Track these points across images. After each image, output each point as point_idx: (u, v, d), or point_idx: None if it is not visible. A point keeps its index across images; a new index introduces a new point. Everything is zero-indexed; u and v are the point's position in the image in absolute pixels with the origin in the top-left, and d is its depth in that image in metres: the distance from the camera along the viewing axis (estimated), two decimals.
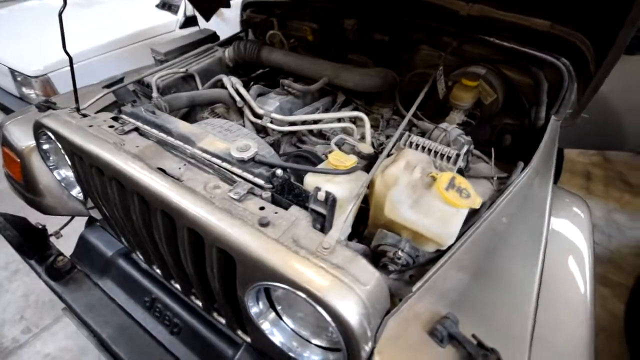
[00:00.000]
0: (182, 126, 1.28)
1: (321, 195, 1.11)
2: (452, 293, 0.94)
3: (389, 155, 1.27)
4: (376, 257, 1.11)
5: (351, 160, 1.12)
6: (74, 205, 1.70)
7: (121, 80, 1.65)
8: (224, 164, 1.16)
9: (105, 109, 1.69)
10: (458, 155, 1.17)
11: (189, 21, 3.66)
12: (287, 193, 1.07)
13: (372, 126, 1.62)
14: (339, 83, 1.62)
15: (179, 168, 1.18)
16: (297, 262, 0.84)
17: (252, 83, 1.88)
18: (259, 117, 1.52)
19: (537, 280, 1.02)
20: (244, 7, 2.59)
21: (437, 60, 1.97)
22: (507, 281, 1.02)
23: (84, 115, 1.40)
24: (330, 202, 1.08)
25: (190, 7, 3.64)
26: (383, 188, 1.10)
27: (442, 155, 1.18)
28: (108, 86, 1.58)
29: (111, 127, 1.32)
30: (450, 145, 1.33)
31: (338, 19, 2.13)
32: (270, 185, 1.09)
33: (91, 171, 1.28)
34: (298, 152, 1.40)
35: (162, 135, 1.30)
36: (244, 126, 1.55)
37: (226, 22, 3.51)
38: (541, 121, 1.78)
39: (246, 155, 1.10)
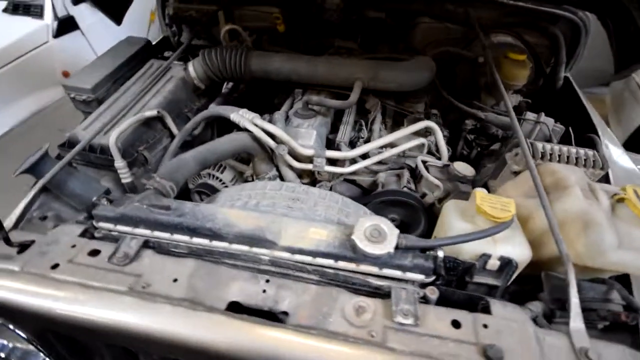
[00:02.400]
0: (233, 218, 0.78)
1: (493, 264, 0.79)
2: None
3: (513, 172, 1.00)
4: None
5: (509, 202, 0.81)
6: None
7: (44, 155, 0.98)
8: (340, 264, 0.74)
9: (37, 208, 1.02)
10: (597, 155, 0.95)
11: (65, 25, 2.58)
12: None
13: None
14: (378, 86, 1.23)
15: (263, 291, 0.72)
16: None
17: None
18: (306, 159, 1.05)
19: None
20: None
21: (441, 33, 1.71)
22: None
23: (22, 248, 0.77)
24: (510, 269, 0.77)
25: (61, 4, 2.57)
26: (543, 226, 0.83)
27: (582, 160, 0.95)
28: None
29: (93, 254, 0.75)
30: (552, 139, 1.12)
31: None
32: (434, 277, 0.72)
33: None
34: (389, 198, 1.01)
35: (201, 241, 0.78)
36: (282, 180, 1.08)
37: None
38: (560, 81, 1.70)
39: (388, 244, 0.70)
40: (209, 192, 1.16)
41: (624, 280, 0.87)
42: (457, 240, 0.73)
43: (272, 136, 1.04)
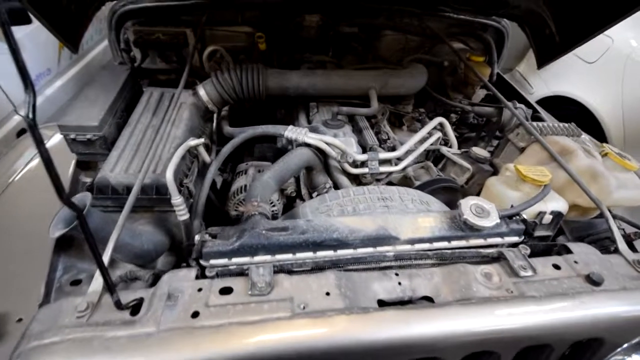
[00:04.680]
0: (354, 224, 0.82)
1: (547, 219, 1.01)
2: None
3: (519, 149, 1.25)
4: None
5: (542, 169, 1.04)
6: None
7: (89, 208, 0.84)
8: (453, 243, 0.85)
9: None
10: (572, 125, 1.27)
11: None
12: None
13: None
14: (389, 92, 1.37)
15: (399, 284, 0.79)
16: None
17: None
18: (360, 164, 1.11)
19: None
20: (120, 21, 1.72)
21: (402, 43, 1.96)
22: None
23: (134, 309, 0.68)
24: (559, 219, 1.00)
25: None
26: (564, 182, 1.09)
27: (565, 131, 1.25)
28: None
29: (225, 292, 0.70)
30: (528, 119, 1.42)
31: (292, 17, 1.74)
32: (524, 237, 0.89)
33: None
34: (442, 185, 1.15)
35: (326, 254, 0.80)
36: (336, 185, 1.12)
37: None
38: (494, 77, 2.12)
39: (493, 216, 0.84)
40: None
41: None
42: (531, 204, 0.91)
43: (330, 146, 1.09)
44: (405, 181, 1.32)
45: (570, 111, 2.82)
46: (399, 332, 0.68)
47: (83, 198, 0.85)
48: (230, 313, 0.67)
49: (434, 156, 1.44)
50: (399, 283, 0.79)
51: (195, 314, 0.66)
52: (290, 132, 1.09)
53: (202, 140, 1.06)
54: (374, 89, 1.35)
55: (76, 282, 0.96)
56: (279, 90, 1.33)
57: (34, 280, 0.90)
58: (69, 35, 1.46)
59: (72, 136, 1.09)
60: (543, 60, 1.84)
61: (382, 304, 0.75)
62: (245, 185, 1.15)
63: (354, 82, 1.36)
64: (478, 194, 1.28)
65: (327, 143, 1.09)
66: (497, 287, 0.78)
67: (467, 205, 0.85)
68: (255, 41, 1.71)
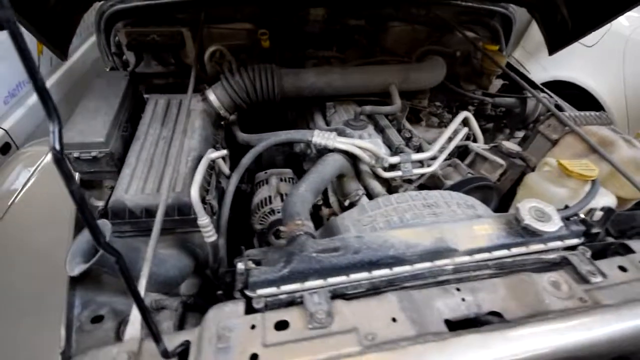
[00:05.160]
0: (409, 238, 0.75)
1: (598, 215, 0.96)
2: None
3: (552, 141, 1.20)
4: None
5: (587, 163, 0.99)
6: None
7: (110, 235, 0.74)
8: (513, 250, 0.79)
9: None
10: (603, 114, 1.22)
11: None
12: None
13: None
14: (410, 87, 1.30)
15: (462, 300, 0.73)
16: None
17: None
18: (392, 167, 1.04)
19: None
20: (109, 22, 1.59)
21: (410, 35, 1.89)
22: None
23: (182, 355, 0.59)
24: (610, 215, 0.96)
25: None
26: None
27: (597, 120, 1.20)
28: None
29: (280, 327, 0.63)
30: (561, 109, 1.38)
31: (294, 12, 1.64)
32: (585, 239, 0.84)
33: None
34: (478, 184, 1.09)
35: (381, 272, 0.73)
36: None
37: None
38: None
39: (556, 219, 0.78)
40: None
41: None
42: (588, 201, 0.86)
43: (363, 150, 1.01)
44: (433, 181, 1.25)
45: (569, 96, 2.82)
46: (480, 358, 0.61)
47: (101, 227, 0.75)
48: (293, 352, 0.59)
49: (458, 152, 1.39)
50: (463, 299, 0.72)
51: (253, 357, 0.58)
52: (318, 137, 1.00)
53: (224, 152, 0.96)
54: (394, 84, 1.28)
55: (97, 319, 0.86)
56: (294, 91, 1.24)
57: (50, 323, 0.80)
58: (57, 41, 1.33)
59: (76, 154, 0.98)
60: (555, 47, 1.80)
61: (449, 324, 0.69)
62: (270, 197, 1.06)
63: (373, 78, 1.28)
64: (511, 191, 1.23)
65: (359, 147, 1.01)
66: (568, 297, 0.72)
67: (526, 208, 0.79)
68: (258, 38, 1.61)
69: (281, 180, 1.13)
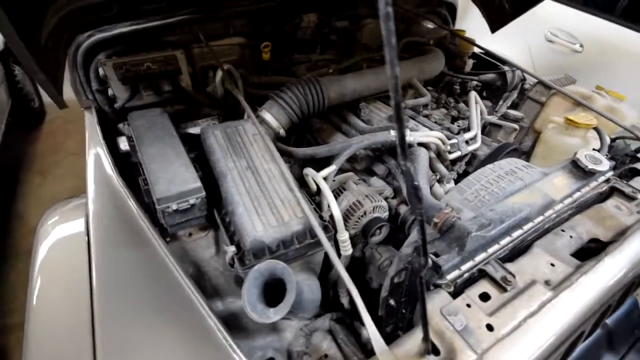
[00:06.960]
0: (523, 200, 0.92)
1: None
2: None
3: (541, 103, 1.51)
4: None
5: (584, 115, 1.29)
6: None
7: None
8: (583, 190, 1.03)
9: None
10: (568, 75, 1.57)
11: None
12: None
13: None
14: (425, 78, 1.46)
15: (570, 237, 0.94)
16: None
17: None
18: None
19: None
20: (88, 56, 1.38)
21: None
22: None
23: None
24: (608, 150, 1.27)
25: None
26: None
27: (567, 81, 1.54)
28: None
29: (484, 299, 0.74)
30: (526, 78, 1.70)
31: (286, 20, 1.66)
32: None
33: None
34: (510, 149, 1.30)
35: (518, 233, 0.89)
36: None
37: None
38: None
39: (604, 160, 1.04)
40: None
41: None
42: (607, 141, 1.15)
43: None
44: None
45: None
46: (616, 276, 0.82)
47: (281, 272, 0.74)
48: (513, 313, 0.71)
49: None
50: (570, 236, 0.93)
51: (489, 327, 0.69)
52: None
53: (333, 167, 0.99)
54: (415, 77, 1.43)
55: None
56: (338, 98, 1.29)
57: None
58: (56, 81, 1.13)
59: (174, 207, 0.90)
60: (495, 27, 2.17)
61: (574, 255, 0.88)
62: (359, 201, 1.13)
63: (400, 75, 1.40)
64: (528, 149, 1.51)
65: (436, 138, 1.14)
66: (630, 213, 0.99)
67: (583, 156, 1.03)
68: (260, 50, 1.59)
69: (355, 183, 1.20)
